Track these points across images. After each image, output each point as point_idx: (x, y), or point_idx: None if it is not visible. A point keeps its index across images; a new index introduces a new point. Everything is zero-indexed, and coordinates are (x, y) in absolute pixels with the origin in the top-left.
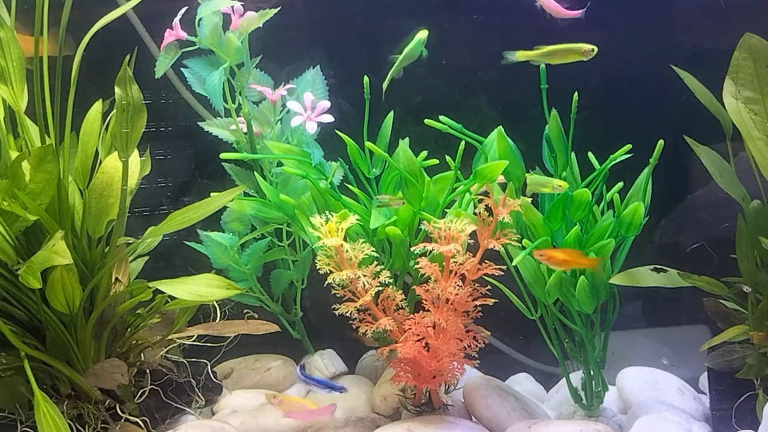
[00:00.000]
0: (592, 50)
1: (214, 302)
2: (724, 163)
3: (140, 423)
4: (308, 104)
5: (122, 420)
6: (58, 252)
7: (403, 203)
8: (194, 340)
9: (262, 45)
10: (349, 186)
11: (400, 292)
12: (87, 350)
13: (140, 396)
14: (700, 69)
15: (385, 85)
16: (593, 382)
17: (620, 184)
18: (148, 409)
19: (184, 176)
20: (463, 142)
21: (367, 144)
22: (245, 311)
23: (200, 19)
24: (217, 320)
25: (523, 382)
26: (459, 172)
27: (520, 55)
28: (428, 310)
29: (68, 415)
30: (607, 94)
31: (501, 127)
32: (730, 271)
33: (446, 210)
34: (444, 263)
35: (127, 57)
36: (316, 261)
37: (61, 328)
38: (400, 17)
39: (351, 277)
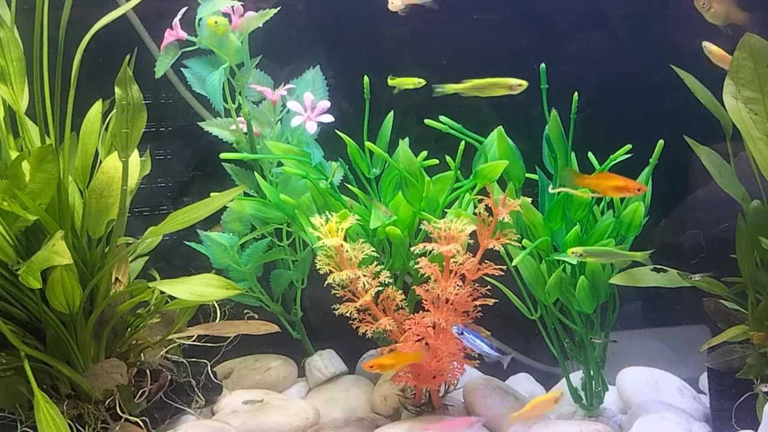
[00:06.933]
0: (520, 85)
1: (214, 302)
2: (724, 163)
3: (140, 423)
4: (308, 104)
5: (122, 420)
6: (58, 252)
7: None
8: (194, 340)
9: (262, 45)
10: (349, 186)
11: (400, 292)
12: (87, 350)
13: (140, 396)
14: (700, 69)
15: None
16: (593, 382)
17: None
18: (148, 409)
19: (184, 176)
20: (463, 142)
21: (367, 144)
22: (245, 311)
23: (200, 19)
24: (217, 320)
25: (523, 382)
26: (459, 172)
27: (449, 88)
28: (428, 310)
29: (68, 415)
30: (607, 94)
31: (501, 127)
32: (730, 270)
33: (446, 210)
34: (444, 263)
35: (127, 57)
36: (316, 261)
37: (61, 328)
38: (398, 17)
39: (351, 277)
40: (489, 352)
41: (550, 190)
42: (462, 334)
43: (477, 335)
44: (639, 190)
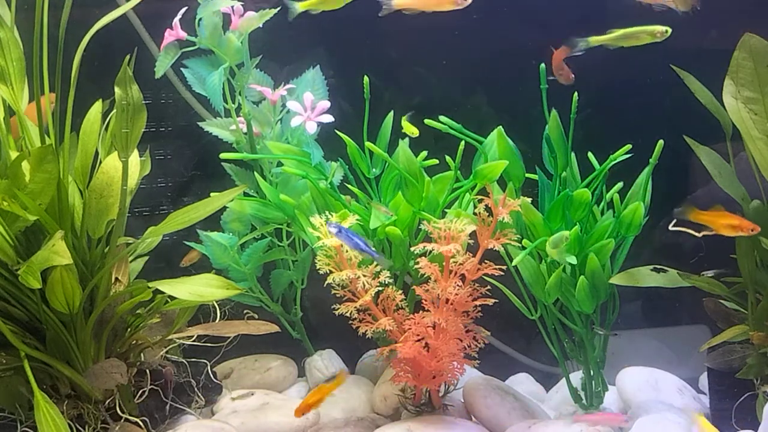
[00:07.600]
0: (666, 31)
1: (214, 302)
2: (724, 163)
3: (140, 423)
4: (308, 104)
5: (122, 420)
6: (58, 252)
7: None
8: (194, 340)
9: (262, 45)
10: (349, 186)
11: (400, 292)
12: (87, 350)
13: (140, 396)
14: (700, 69)
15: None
16: (593, 382)
17: (620, 184)
18: (148, 409)
19: (184, 176)
20: (463, 142)
21: (367, 144)
22: (245, 311)
23: (200, 19)
24: (217, 320)
25: (523, 382)
26: (459, 172)
27: (593, 41)
28: (428, 310)
29: (68, 415)
30: (607, 94)
31: (501, 127)
32: (730, 270)
33: (446, 210)
34: (444, 263)
35: (127, 57)
36: (316, 261)
37: (61, 328)
38: (399, 17)
39: (351, 277)
40: (366, 249)
41: (671, 228)
42: (340, 232)
43: (354, 234)
44: (752, 230)
